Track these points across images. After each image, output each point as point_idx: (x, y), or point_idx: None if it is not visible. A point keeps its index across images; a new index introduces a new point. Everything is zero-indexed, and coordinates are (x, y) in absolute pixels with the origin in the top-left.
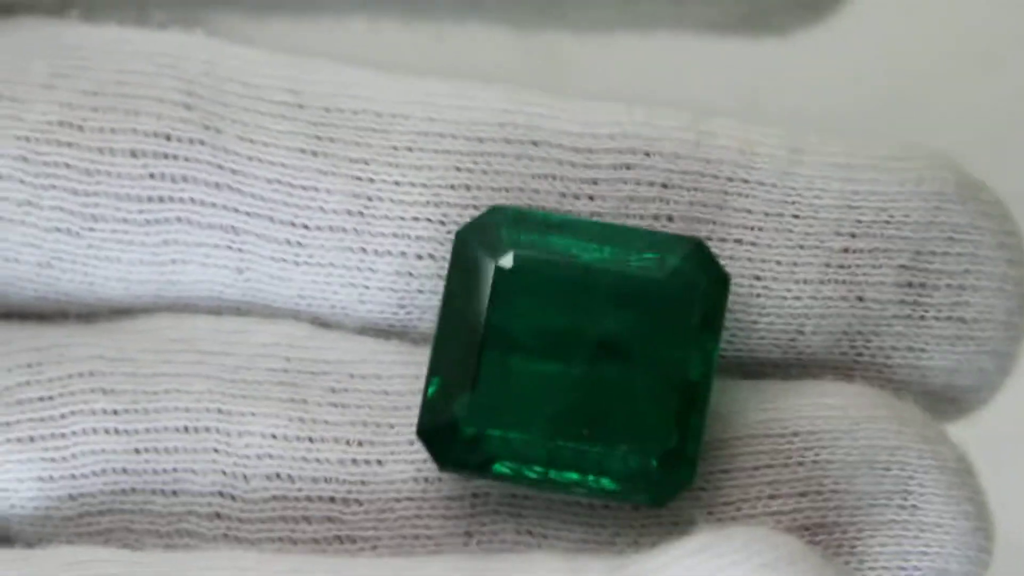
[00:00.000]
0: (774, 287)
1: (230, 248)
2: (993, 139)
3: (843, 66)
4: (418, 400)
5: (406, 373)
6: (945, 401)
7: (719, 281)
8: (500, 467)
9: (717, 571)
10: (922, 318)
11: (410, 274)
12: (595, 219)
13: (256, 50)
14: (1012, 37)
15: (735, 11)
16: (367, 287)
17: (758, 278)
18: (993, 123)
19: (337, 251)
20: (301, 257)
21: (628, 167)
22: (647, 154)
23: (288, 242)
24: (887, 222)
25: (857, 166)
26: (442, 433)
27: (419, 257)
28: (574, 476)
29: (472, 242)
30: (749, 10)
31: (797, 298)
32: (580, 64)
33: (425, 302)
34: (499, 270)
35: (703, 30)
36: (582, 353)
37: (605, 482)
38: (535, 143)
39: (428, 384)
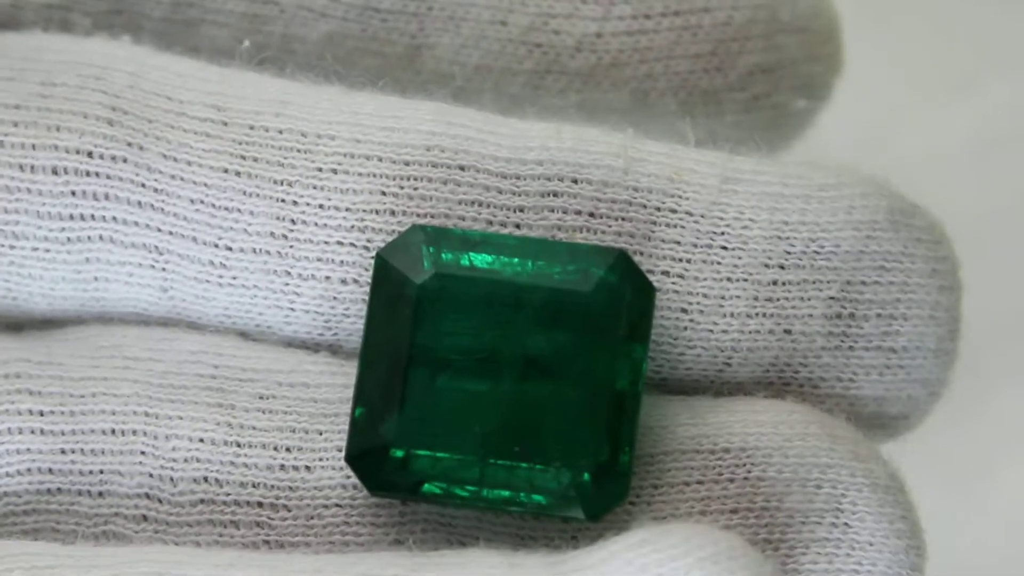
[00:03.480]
0: (701, 321)
1: (153, 267)
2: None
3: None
4: (346, 408)
5: (334, 383)
6: (874, 427)
7: (644, 291)
8: (430, 487)
9: (657, 565)
10: (851, 349)
11: (335, 298)
12: (516, 234)
13: (182, 60)
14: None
15: (689, 137)
16: (292, 310)
17: (685, 311)
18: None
19: (261, 273)
20: (225, 279)
21: (555, 195)
22: (575, 181)
23: (212, 263)
24: (817, 253)
25: (788, 195)
26: (371, 457)
27: (343, 282)
28: (506, 494)
29: (393, 261)
30: (704, 138)
31: (724, 332)
32: None
33: (351, 325)
34: (421, 289)
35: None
36: (509, 369)
37: (538, 498)
38: (462, 167)
39: (355, 407)
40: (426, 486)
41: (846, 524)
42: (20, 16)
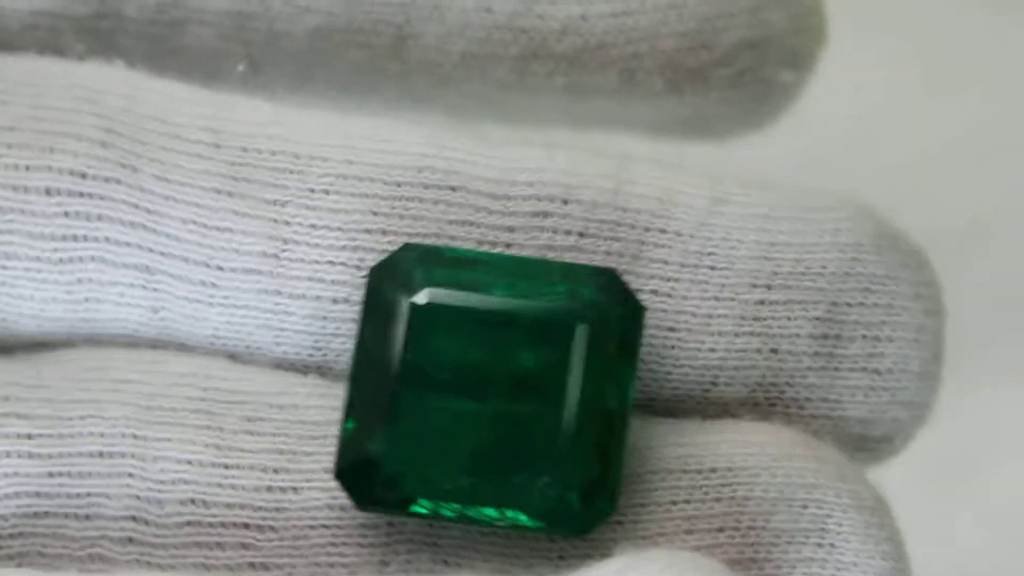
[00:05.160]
0: (688, 339)
1: (144, 288)
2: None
3: (773, 171)
4: (335, 430)
5: (323, 404)
6: (859, 450)
7: (633, 311)
8: (418, 505)
9: None
10: (836, 369)
11: (325, 318)
12: (507, 253)
13: (176, 84)
14: (959, 141)
15: (676, 115)
16: (282, 329)
17: (673, 330)
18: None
19: (252, 293)
20: (216, 298)
21: (546, 215)
22: (565, 202)
23: (203, 283)
24: (803, 273)
25: (775, 217)
26: (360, 473)
27: (334, 301)
28: (493, 512)
29: (385, 280)
30: (691, 114)
31: (711, 350)
32: None
33: (340, 345)
34: (413, 307)
35: (641, 131)
36: (499, 388)
37: (524, 517)
38: (453, 188)
39: (344, 424)
40: (414, 503)
41: (831, 545)
42: (6, 26)
